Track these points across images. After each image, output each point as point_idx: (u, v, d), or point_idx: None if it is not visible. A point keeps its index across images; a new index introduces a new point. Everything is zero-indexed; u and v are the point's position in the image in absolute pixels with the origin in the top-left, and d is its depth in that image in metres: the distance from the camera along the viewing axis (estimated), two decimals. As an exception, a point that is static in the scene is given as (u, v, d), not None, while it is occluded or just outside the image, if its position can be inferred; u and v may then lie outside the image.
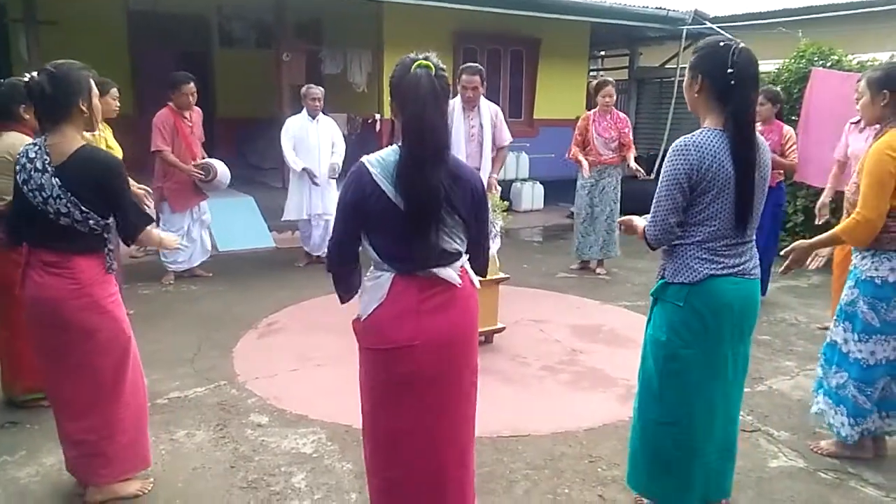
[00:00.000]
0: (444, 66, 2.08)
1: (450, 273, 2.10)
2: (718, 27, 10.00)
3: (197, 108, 5.94)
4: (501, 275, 4.56)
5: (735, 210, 2.28)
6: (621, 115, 6.37)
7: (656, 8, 10.01)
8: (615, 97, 6.30)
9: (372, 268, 2.15)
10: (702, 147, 2.26)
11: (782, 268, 2.97)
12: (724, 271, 2.32)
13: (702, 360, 2.36)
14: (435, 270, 2.07)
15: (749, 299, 2.39)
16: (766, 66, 8.43)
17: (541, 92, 10.72)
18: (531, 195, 10.44)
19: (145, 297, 5.51)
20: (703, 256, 2.32)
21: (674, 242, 2.40)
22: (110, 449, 2.61)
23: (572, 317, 5.22)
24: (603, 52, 13.34)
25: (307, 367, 4.13)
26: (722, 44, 2.30)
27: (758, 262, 2.45)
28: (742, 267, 2.35)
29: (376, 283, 2.12)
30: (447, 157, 2.03)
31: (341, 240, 2.15)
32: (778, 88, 5.85)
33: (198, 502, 2.71)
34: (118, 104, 4.65)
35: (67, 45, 7.78)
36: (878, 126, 3.03)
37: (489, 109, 5.28)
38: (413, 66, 1.99)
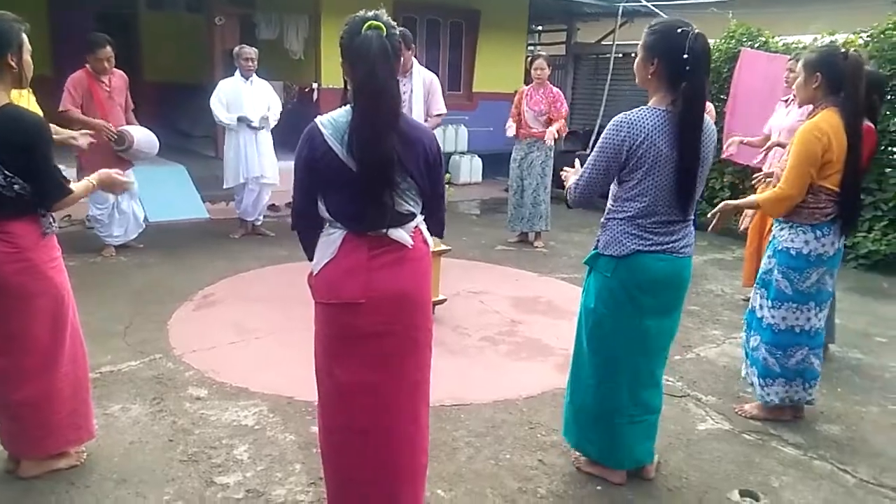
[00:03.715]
0: (395, 24, 2.07)
1: (401, 234, 2.11)
2: (653, 6, 10.19)
3: (120, 73, 5.62)
4: (443, 247, 4.58)
5: (676, 190, 2.37)
6: (554, 89, 6.45)
7: (594, -16, 10.11)
8: (547, 71, 6.37)
9: (326, 225, 2.16)
10: (637, 124, 2.34)
11: (711, 225, 3.16)
12: (652, 248, 2.42)
13: (625, 329, 2.48)
14: (387, 231, 2.08)
15: (676, 276, 2.50)
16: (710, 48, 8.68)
17: (480, 65, 10.70)
18: (469, 168, 10.48)
19: (72, 269, 5.21)
20: (632, 232, 2.42)
21: (608, 216, 2.49)
22: (49, 420, 2.53)
23: (511, 289, 5.31)
24: (541, 27, 13.40)
25: (246, 339, 4.07)
26: (680, 30, 2.36)
27: (692, 241, 2.56)
28: (672, 245, 2.45)
29: (328, 239, 2.14)
30: (399, 119, 2.02)
31: (299, 200, 2.17)
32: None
33: (136, 476, 2.65)
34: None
35: (-20, 1, 7.19)
36: (810, 107, 3.17)
37: (423, 77, 5.22)
38: (363, 27, 1.97)
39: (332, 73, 8.71)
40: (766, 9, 9.31)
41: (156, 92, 10.81)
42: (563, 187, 2.70)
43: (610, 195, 2.55)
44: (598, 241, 2.56)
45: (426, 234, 2.24)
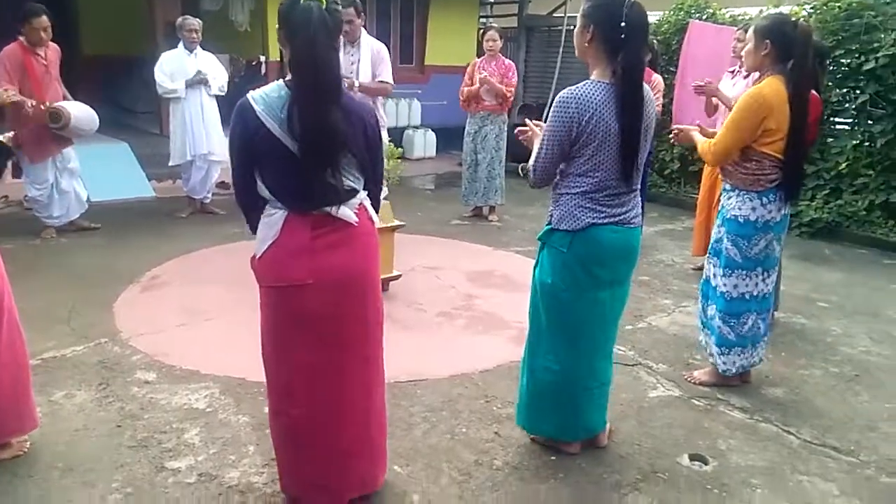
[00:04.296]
0: None
1: (345, 211, 2.07)
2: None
3: (54, 45, 5.32)
4: (396, 222, 4.54)
5: (620, 161, 2.37)
6: (507, 61, 6.42)
7: (545, -45, 10.04)
8: (499, 43, 6.32)
9: (267, 205, 2.10)
10: (584, 100, 2.33)
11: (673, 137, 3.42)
12: (606, 220, 2.43)
13: (582, 303, 2.50)
14: (329, 209, 2.04)
15: (628, 246, 2.53)
16: (648, 17, 8.73)
17: (432, 38, 10.58)
18: (423, 143, 10.40)
19: (9, 252, 5.02)
20: (587, 206, 2.42)
21: (560, 191, 2.49)
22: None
23: (466, 263, 5.31)
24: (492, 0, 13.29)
25: (196, 321, 3.98)
26: None
27: (640, 210, 2.58)
28: (623, 216, 2.47)
29: (269, 220, 2.09)
30: (340, 93, 1.96)
31: (238, 176, 2.12)
32: (652, 38, 6.05)
33: (83, 464, 2.57)
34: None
35: None
36: (757, 74, 3.22)
37: (371, 46, 5.11)
38: None
39: (278, 46, 8.52)
40: (713, -20, 9.38)
41: (95, 66, 10.39)
42: (519, 160, 2.69)
43: (560, 170, 2.54)
44: (550, 216, 2.55)
45: (371, 210, 2.20)
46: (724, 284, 3.25)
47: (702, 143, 3.20)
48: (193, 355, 3.48)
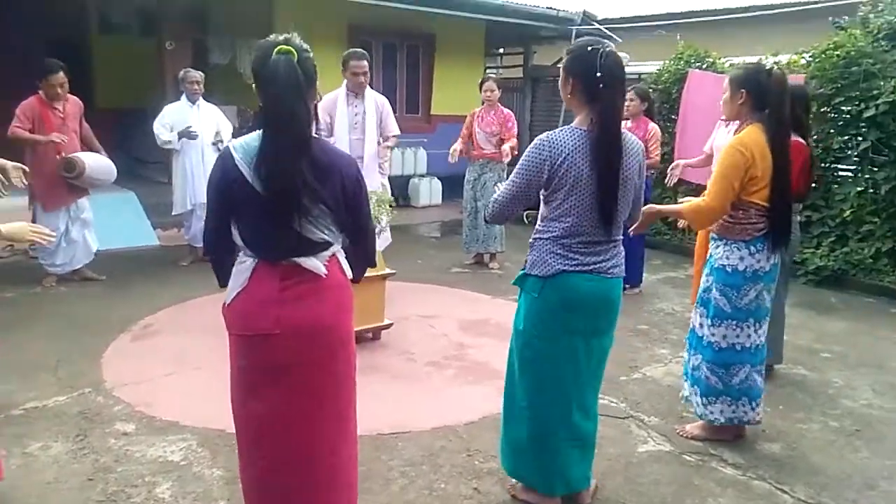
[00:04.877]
0: (308, 48, 2.03)
1: (314, 263, 2.05)
2: (606, 28, 10.37)
3: (75, 99, 5.56)
4: (387, 270, 4.53)
5: (598, 209, 2.35)
6: (505, 110, 6.48)
7: (547, 8, 10.24)
8: (497, 92, 6.39)
9: (240, 253, 2.10)
10: (557, 144, 2.33)
11: (632, 228, 2.92)
12: (578, 268, 2.39)
13: (553, 351, 2.46)
14: (298, 260, 2.03)
15: (605, 297, 2.47)
16: (648, 67, 8.84)
17: (438, 88, 10.74)
18: (429, 191, 10.47)
19: (9, 301, 5.11)
20: (558, 252, 2.40)
21: (535, 235, 2.48)
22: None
23: (462, 311, 5.26)
24: (502, 50, 13.54)
25: (183, 370, 3.95)
26: (590, 48, 2.36)
27: (621, 262, 2.53)
28: (599, 265, 2.43)
29: (240, 268, 2.09)
30: (309, 145, 1.97)
31: (212, 225, 2.12)
32: (648, 88, 6.10)
33: (49, 520, 2.52)
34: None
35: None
36: (737, 123, 3.20)
37: (375, 99, 5.25)
38: (273, 51, 1.92)
39: (287, 97, 8.68)
40: (714, 30, 9.52)
41: (110, 118, 10.62)
42: None
43: (539, 215, 2.53)
44: (526, 261, 2.53)
45: (344, 263, 2.18)
46: (713, 335, 3.18)
47: (689, 209, 3.11)
48: (176, 406, 3.44)
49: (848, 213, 6.57)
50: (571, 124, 2.43)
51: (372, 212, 4.30)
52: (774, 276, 3.17)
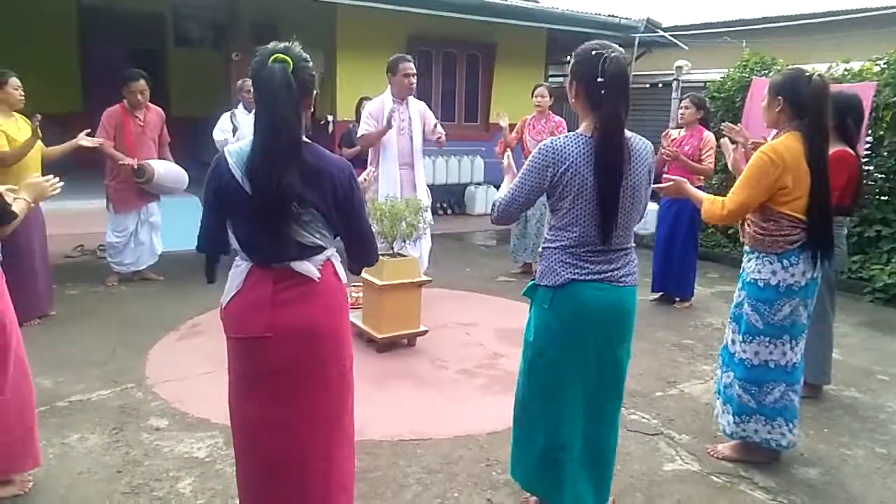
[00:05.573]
0: (307, 58, 2.08)
1: (307, 267, 2.09)
2: (670, 35, 10.13)
3: (156, 108, 5.90)
4: (423, 277, 4.56)
5: (599, 218, 2.30)
6: (556, 118, 6.42)
7: (609, 16, 10.09)
8: (548, 100, 6.34)
9: (237, 257, 2.16)
10: (561, 151, 2.29)
11: (658, 186, 3.05)
12: (588, 277, 2.34)
13: (563, 362, 2.40)
14: (291, 264, 2.07)
15: (617, 306, 2.40)
16: (713, 74, 8.58)
17: (497, 96, 10.73)
18: (485, 199, 10.45)
19: (71, 297, 5.40)
20: (567, 261, 2.35)
21: (545, 244, 2.45)
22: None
23: (501, 320, 5.23)
24: (569, 58, 13.42)
25: (221, 369, 3.95)
26: (594, 52, 2.31)
27: (634, 269, 2.46)
28: (610, 274, 2.37)
29: (235, 271, 2.15)
30: (300, 151, 2.01)
31: (206, 225, 2.17)
32: (703, 96, 5.91)
33: (76, 507, 2.65)
34: (21, 94, 4.60)
35: (14, 38, 7.52)
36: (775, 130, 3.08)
37: (417, 105, 5.33)
38: (270, 59, 1.98)
39: (347, 106, 8.85)
40: (780, 37, 9.16)
41: (183, 126, 11.15)
42: None
43: (546, 224, 2.51)
44: (535, 271, 2.50)
45: (338, 267, 2.22)
46: (745, 351, 3.05)
47: (708, 200, 3.04)
48: (208, 403, 3.55)
49: (921, 227, 6.18)
50: (577, 130, 2.39)
51: (409, 219, 4.41)
52: (812, 292, 3.01)
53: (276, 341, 2.06)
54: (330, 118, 9.38)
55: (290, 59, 1.99)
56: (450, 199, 10.48)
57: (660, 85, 9.86)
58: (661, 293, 5.93)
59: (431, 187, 10.06)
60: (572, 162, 2.28)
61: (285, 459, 2.13)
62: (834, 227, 3.35)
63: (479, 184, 10.46)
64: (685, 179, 3.19)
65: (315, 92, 2.17)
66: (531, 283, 2.51)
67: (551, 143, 2.34)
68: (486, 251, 8.17)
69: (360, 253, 2.28)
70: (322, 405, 2.15)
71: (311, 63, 2.12)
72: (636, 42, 10.28)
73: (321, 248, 2.13)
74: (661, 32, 10.23)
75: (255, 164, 1.98)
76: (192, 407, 3.53)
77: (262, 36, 10.54)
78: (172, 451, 3.10)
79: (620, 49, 2.35)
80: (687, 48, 10.12)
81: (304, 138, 2.13)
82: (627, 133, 2.36)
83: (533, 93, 6.46)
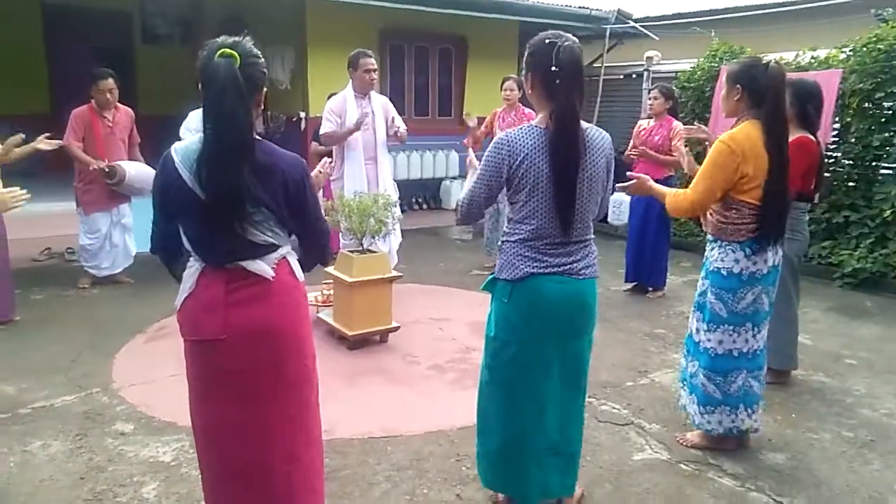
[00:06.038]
0: (257, 53, 2.04)
1: (261, 266, 2.05)
2: (641, 26, 10.16)
3: (126, 108, 5.80)
4: (394, 273, 4.53)
5: (555, 210, 2.28)
6: (527, 110, 6.40)
7: (580, 7, 10.10)
8: (517, 92, 6.32)
9: (191, 258, 2.11)
10: (515, 143, 2.28)
11: (621, 185, 3.12)
12: (547, 270, 2.33)
13: (524, 356, 2.38)
14: (243, 263, 2.04)
15: (577, 299, 2.39)
16: (684, 65, 8.62)
17: (470, 90, 10.69)
18: (461, 193, 10.40)
19: (37, 302, 5.30)
20: (526, 254, 2.34)
21: (503, 238, 2.43)
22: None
23: (474, 314, 5.21)
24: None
25: (189, 371, 4.02)
26: (548, 41, 2.29)
27: (593, 261, 2.45)
28: (569, 266, 2.36)
29: (188, 272, 2.10)
30: (250, 149, 1.97)
31: (157, 225, 2.14)
32: (672, 86, 5.94)
33: (37, 516, 2.60)
34: None
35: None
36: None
37: (380, 99, 5.30)
38: (216, 54, 1.93)
39: (318, 102, 8.78)
40: (749, 26, 9.22)
41: (151, 124, 10.97)
42: None
43: (506, 216, 2.49)
44: (495, 264, 2.49)
45: (294, 265, 2.18)
46: (709, 340, 3.07)
47: (671, 194, 3.05)
48: (175, 406, 3.47)
49: (888, 213, 6.25)
50: (532, 122, 2.37)
51: (378, 215, 4.38)
52: (773, 280, 3.03)
53: (232, 343, 2.02)
54: (302, 115, 9.31)
55: (237, 55, 1.94)
56: (425, 194, 10.46)
57: (633, 76, 9.88)
58: (635, 283, 5.96)
59: (406, 182, 10.13)
60: (527, 154, 2.26)
61: (248, 462, 2.10)
62: (795, 213, 3.38)
63: (455, 178, 10.43)
64: (647, 177, 3.18)
65: (265, 89, 2.13)
66: (491, 276, 2.49)
67: (506, 135, 2.32)
68: (461, 245, 8.15)
69: (312, 251, 2.25)
70: (283, 406, 2.12)
71: (262, 59, 2.08)
72: (607, 33, 10.30)
73: (275, 247, 2.09)
74: (632, 23, 10.26)
75: (203, 163, 1.94)
76: (159, 410, 3.48)
77: (230, 32, 10.35)
78: (137, 455, 3.05)
79: (574, 38, 2.32)
80: (658, 39, 10.16)
81: (255, 135, 2.10)
82: (584, 124, 2.35)
83: (502, 86, 6.44)
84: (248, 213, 1.97)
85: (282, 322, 2.09)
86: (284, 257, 2.13)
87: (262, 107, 2.15)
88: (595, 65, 11.31)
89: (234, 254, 2.02)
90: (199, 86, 2.00)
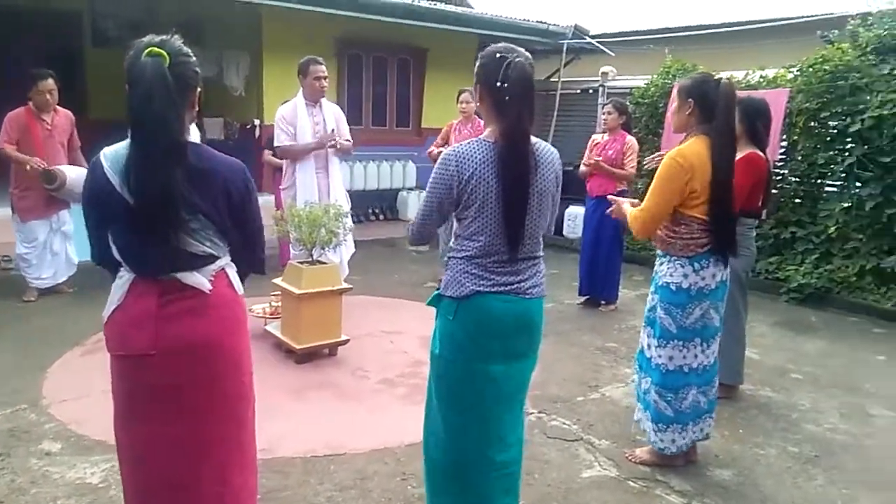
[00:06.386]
0: (188, 52, 1.95)
1: (197, 279, 1.95)
2: (597, 42, 10.29)
3: (66, 112, 5.54)
4: (344, 285, 4.43)
5: (504, 227, 2.23)
6: (481, 122, 6.37)
7: (538, 21, 10.17)
8: (473, 105, 6.30)
9: (121, 268, 1.99)
10: (464, 158, 2.21)
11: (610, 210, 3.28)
12: (494, 289, 2.26)
13: (471, 376, 2.31)
14: (178, 275, 1.93)
15: (523, 319, 2.33)
16: (638, 81, 8.74)
17: (429, 101, 10.67)
18: (417, 204, 10.35)
19: (-31, 313, 5.04)
20: (473, 272, 2.27)
21: (450, 254, 2.36)
22: None
23: (426, 327, 5.01)
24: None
25: (127, 386, 3.84)
26: (498, 55, 2.23)
27: (541, 280, 2.40)
28: (517, 286, 2.29)
29: (117, 283, 1.98)
30: (183, 153, 1.87)
31: (90, 235, 2.02)
32: (625, 101, 5.99)
33: (-52, 544, 2.43)
34: None
35: None
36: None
37: (331, 108, 5.22)
38: (143, 53, 1.83)
39: (273, 110, 8.61)
40: (702, 45, 9.43)
41: (102, 128, 10.65)
42: None
43: (453, 232, 2.42)
44: (440, 281, 2.42)
45: (234, 278, 2.08)
46: (660, 356, 3.05)
47: (630, 216, 3.04)
48: (107, 424, 3.24)
49: (833, 229, 6.42)
50: (481, 136, 2.31)
51: (328, 225, 4.28)
52: (722, 295, 3.04)
53: (162, 358, 1.91)
54: (256, 122, 9.14)
55: (166, 53, 1.85)
56: (381, 205, 10.36)
57: (589, 91, 9.99)
58: (588, 296, 5.97)
59: (363, 192, 10.03)
60: (476, 169, 2.20)
61: (178, 485, 1.99)
62: (743, 229, 3.41)
63: (411, 189, 10.36)
64: (626, 201, 3.17)
65: (199, 89, 2.03)
66: (436, 293, 2.42)
67: (454, 150, 2.25)
68: (417, 257, 8.07)
69: (248, 261, 2.15)
70: (217, 425, 2.02)
71: (193, 58, 1.98)
72: (564, 48, 10.40)
73: (213, 258, 1.99)
74: (589, 39, 10.37)
75: (131, 168, 1.83)
76: (90, 428, 3.31)
77: (185, 37, 10.22)
78: (63, 477, 2.88)
79: (526, 54, 2.27)
80: (614, 55, 10.29)
81: (190, 139, 2.00)
82: (533, 139, 2.30)
83: (458, 98, 6.42)
84: (184, 221, 1.87)
85: (219, 337, 1.99)
86: (223, 269, 2.03)
87: (197, 108, 2.04)
88: (552, 79, 11.43)
89: (168, 265, 1.91)
90: (127, 87, 1.90)
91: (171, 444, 1.97)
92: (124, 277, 1.96)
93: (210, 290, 1.97)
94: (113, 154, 1.90)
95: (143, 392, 1.96)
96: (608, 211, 3.30)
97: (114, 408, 2.04)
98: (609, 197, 3.37)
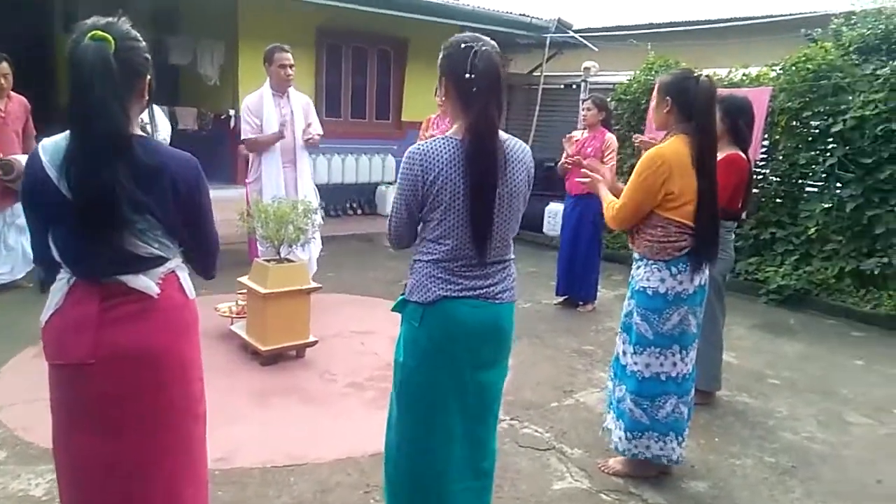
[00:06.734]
0: (135, 36, 1.79)
1: (143, 282, 1.80)
2: (581, 37, 10.18)
3: (20, 98, 5.30)
4: (312, 284, 4.28)
5: (472, 229, 2.10)
6: (458, 117, 6.25)
7: (521, 14, 10.04)
8: (448, 99, 6.16)
9: (61, 269, 1.84)
10: (428, 157, 2.07)
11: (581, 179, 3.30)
12: (462, 293, 2.14)
13: (435, 384, 2.19)
14: (122, 278, 1.78)
15: (492, 325, 2.21)
16: (621, 77, 8.64)
17: (409, 93, 10.51)
18: (396, 199, 10.22)
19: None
20: (439, 276, 2.14)
21: (415, 257, 2.23)
22: None
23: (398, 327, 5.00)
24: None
25: (81, 389, 3.68)
26: (464, 45, 2.10)
27: (511, 285, 2.28)
28: (486, 290, 2.17)
29: (56, 285, 1.83)
30: (127, 146, 1.71)
31: (31, 233, 1.88)
32: (605, 97, 5.87)
33: None
34: None
35: None
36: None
37: (299, 98, 5.05)
38: (87, 37, 1.67)
39: (248, 101, 8.46)
40: (685, 41, 9.36)
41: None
42: None
43: (418, 235, 2.29)
44: (405, 285, 2.29)
45: (185, 281, 1.93)
46: (636, 363, 2.94)
47: (607, 203, 2.94)
48: (57, 430, 3.17)
49: (813, 230, 6.36)
50: (448, 133, 2.18)
51: (297, 222, 4.13)
52: (700, 300, 2.93)
53: (103, 366, 1.76)
54: (231, 112, 8.92)
55: (111, 38, 1.68)
56: (360, 199, 10.20)
57: (573, 87, 9.88)
58: (566, 296, 5.86)
59: (341, 186, 9.86)
60: (442, 169, 2.06)
61: (120, 501, 1.84)
62: (721, 231, 3.31)
63: (390, 183, 10.18)
64: (601, 178, 3.07)
65: (149, 77, 1.87)
66: (401, 297, 2.29)
67: (418, 148, 2.11)
68: (395, 254, 7.88)
69: (199, 264, 2.01)
70: (164, 437, 1.87)
71: (143, 43, 1.82)
72: (547, 42, 10.28)
73: (162, 260, 1.84)
74: (572, 33, 10.27)
75: (70, 160, 1.68)
76: (37, 435, 3.13)
77: (159, 23, 9.96)
78: (5, 489, 2.72)
79: (493, 43, 2.14)
80: (597, 50, 10.19)
81: (138, 131, 1.84)
82: (503, 135, 2.17)
83: (435, 92, 6.26)
84: (129, 221, 1.72)
85: (165, 343, 1.84)
86: (173, 271, 1.88)
87: (148, 97, 1.88)
88: (535, 73, 11.31)
89: (111, 267, 1.76)
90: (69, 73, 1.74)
91: (114, 461, 1.83)
92: (64, 279, 1.81)
93: (158, 294, 1.82)
94: (52, 146, 1.74)
95: (83, 404, 1.81)
96: (578, 179, 3.29)
97: (52, 421, 1.88)
98: (584, 161, 3.25)
